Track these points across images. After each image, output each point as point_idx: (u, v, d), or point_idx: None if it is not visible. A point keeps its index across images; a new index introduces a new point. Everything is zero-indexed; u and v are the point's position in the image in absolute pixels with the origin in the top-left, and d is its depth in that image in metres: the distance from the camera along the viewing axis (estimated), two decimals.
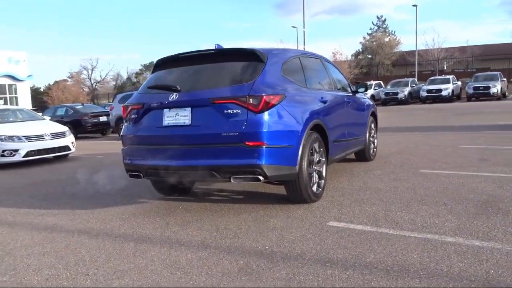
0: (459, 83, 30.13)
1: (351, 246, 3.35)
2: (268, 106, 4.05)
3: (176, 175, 4.39)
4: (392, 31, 54.40)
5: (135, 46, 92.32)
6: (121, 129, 4.86)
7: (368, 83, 30.77)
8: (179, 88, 4.32)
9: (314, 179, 4.65)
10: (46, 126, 10.30)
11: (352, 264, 3.01)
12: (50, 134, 9.78)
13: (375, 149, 7.45)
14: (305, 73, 5.03)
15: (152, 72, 4.96)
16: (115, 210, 4.94)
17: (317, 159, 4.73)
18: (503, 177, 5.36)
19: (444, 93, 27.07)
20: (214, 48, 4.66)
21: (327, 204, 4.58)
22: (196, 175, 4.23)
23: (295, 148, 4.27)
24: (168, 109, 4.37)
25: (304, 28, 26.99)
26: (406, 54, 46.22)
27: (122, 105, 4.94)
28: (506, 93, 27.83)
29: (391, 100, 29.18)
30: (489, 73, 28.48)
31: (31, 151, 9.30)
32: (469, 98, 26.67)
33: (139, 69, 63.05)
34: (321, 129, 4.80)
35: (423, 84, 30.30)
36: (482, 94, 25.75)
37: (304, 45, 27.55)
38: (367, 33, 54.55)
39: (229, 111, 4.05)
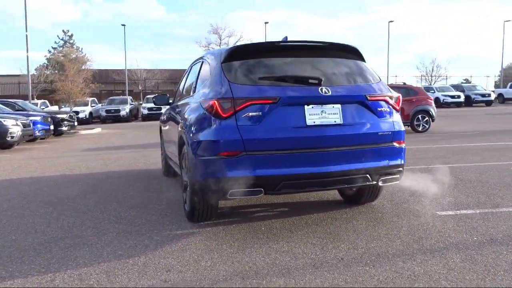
0: (136, 103, 32.92)
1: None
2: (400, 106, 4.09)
3: (321, 183, 3.69)
4: (79, 48, 52.79)
5: None
6: None
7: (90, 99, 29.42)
8: (322, 81, 3.69)
9: None
10: None
11: None
12: None
13: None
14: None
15: (229, 60, 3.86)
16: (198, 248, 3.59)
17: None
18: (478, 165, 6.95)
19: (122, 113, 28.46)
20: (320, 40, 4.15)
21: (386, 201, 4.84)
22: (346, 180, 3.72)
23: None
24: (308, 106, 3.64)
25: (26, 31, 22.84)
26: (111, 72, 46.35)
27: (218, 98, 3.59)
28: None
29: (113, 117, 28.58)
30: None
31: None
32: (144, 118, 29.09)
33: None
34: None
35: (102, 104, 31.40)
36: (155, 114, 27.54)
37: (27, 52, 23.35)
38: (52, 47, 51.25)
39: (382, 109, 3.87)
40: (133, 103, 31.94)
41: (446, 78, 48.80)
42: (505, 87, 37.04)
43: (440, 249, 3.34)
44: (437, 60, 55.44)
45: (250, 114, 3.57)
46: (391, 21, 43.40)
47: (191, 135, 3.94)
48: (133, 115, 30.82)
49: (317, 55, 4.08)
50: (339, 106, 3.73)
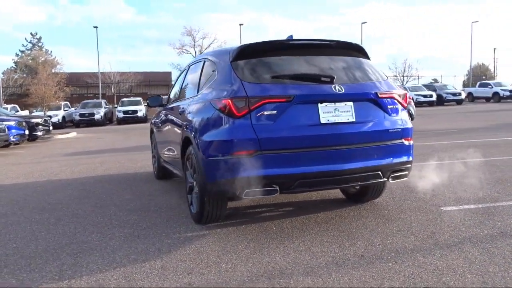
0: (110, 106, 32.55)
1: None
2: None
3: (335, 181, 3.69)
4: (49, 51, 51.51)
5: None
6: None
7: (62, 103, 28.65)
8: (334, 79, 3.69)
9: None
10: None
11: None
12: None
13: None
14: None
15: (238, 59, 3.82)
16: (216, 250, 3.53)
17: None
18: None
19: (96, 116, 28.00)
20: (327, 38, 4.15)
21: (388, 198, 4.89)
22: (359, 178, 3.72)
23: None
24: (321, 104, 3.63)
25: None
26: (83, 75, 45.32)
27: (232, 97, 3.54)
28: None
29: (87, 121, 27.93)
30: (132, 98, 31.67)
31: None
32: (120, 122, 28.74)
33: None
34: None
35: (75, 108, 30.83)
36: (131, 118, 28.21)
37: None
38: (20, 50, 49.87)
39: (391, 106, 3.90)
40: (107, 106, 31.38)
41: (418, 78, 49.97)
42: (474, 86, 38.23)
43: (456, 243, 3.39)
44: (408, 60, 56.51)
45: (265, 112, 3.53)
46: (364, 22, 44.36)
47: (200, 135, 3.87)
48: (108, 119, 30.29)
49: (325, 53, 4.09)
50: (351, 103, 3.74)
